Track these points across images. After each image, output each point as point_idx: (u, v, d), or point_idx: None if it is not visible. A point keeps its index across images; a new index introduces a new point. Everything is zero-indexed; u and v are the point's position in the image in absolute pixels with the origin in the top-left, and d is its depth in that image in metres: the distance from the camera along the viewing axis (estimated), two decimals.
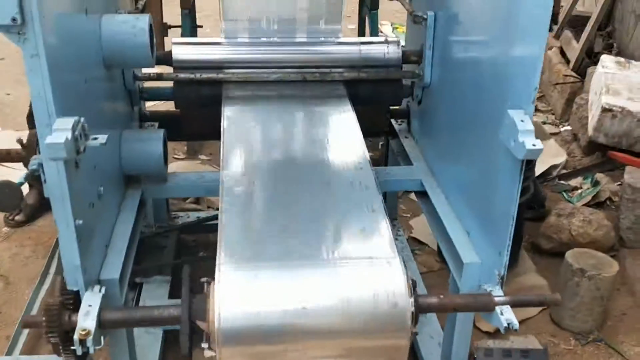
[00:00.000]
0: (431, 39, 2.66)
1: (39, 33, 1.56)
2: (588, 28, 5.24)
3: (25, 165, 2.57)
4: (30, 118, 3.59)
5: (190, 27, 4.36)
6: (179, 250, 3.40)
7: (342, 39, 2.88)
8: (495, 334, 2.91)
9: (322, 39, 2.87)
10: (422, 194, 2.71)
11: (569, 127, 4.78)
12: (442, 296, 2.00)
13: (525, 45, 1.84)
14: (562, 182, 4.09)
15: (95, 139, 1.75)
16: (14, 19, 1.53)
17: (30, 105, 3.58)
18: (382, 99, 2.90)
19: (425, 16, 2.64)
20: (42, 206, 3.79)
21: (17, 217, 3.69)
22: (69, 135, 1.61)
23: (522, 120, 1.79)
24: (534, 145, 1.74)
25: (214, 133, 2.57)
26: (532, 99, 1.79)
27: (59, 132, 1.61)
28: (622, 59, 4.48)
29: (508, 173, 1.91)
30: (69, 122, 1.64)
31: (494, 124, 1.98)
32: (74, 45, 1.93)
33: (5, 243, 3.56)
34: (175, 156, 4.67)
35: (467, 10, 2.36)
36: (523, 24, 1.84)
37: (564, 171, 4.23)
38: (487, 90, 2.12)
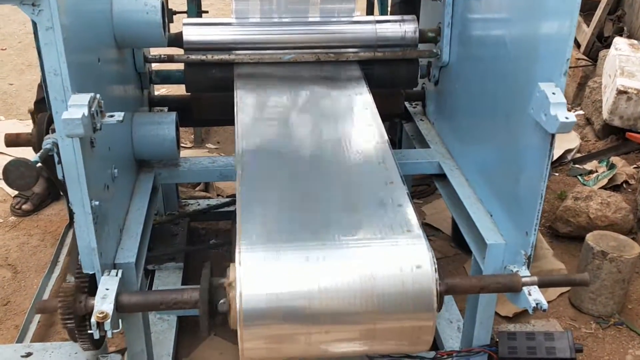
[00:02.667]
0: (450, 16, 2.60)
1: (54, 5, 1.50)
2: (598, 12, 5.17)
3: (35, 150, 2.51)
4: (37, 105, 3.55)
5: (196, 12, 4.29)
6: (190, 237, 3.36)
7: (356, 18, 2.81)
8: (515, 318, 2.86)
9: (336, 18, 2.80)
10: (440, 177, 2.65)
11: (581, 112, 4.71)
12: (467, 277, 1.95)
13: (555, 19, 1.77)
14: (577, 166, 4.03)
15: (112, 116, 1.69)
16: None
17: (38, 91, 3.56)
18: (398, 80, 2.83)
19: None
20: (50, 195, 3.74)
21: (24, 206, 3.64)
22: (86, 111, 1.55)
23: (553, 93, 1.73)
24: (566, 117, 1.69)
25: (226, 118, 2.51)
26: (563, 71, 1.73)
27: (76, 107, 1.55)
28: (635, 42, 4.42)
29: (537, 149, 1.85)
30: (85, 98, 1.59)
31: (521, 100, 1.92)
32: (87, 22, 1.87)
33: (13, 232, 3.50)
34: (182, 145, 4.61)
35: None
36: None
37: (578, 155, 4.17)
38: (512, 66, 2.06)
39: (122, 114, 1.71)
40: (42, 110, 2.63)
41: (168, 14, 4.04)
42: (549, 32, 1.82)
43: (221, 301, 1.72)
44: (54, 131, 1.73)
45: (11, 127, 4.62)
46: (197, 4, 4.30)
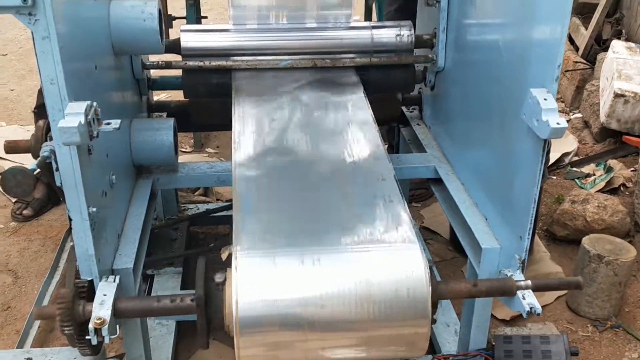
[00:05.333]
0: (445, 21, 2.61)
1: (50, 14, 1.52)
2: (596, 15, 5.19)
3: (34, 156, 2.53)
4: (38, 110, 3.57)
5: (195, 18, 4.32)
6: (190, 242, 3.37)
7: (353, 24, 2.83)
8: (512, 321, 2.88)
9: (333, 24, 2.82)
10: (437, 181, 2.67)
11: (579, 115, 4.73)
12: (461, 281, 1.97)
13: (547, 24, 1.79)
14: (574, 169, 4.04)
15: (109, 124, 1.71)
16: (24, 0, 1.49)
17: (38, 97, 3.59)
18: (394, 85, 2.85)
19: None
20: (50, 200, 3.76)
21: (24, 212, 3.66)
22: (82, 119, 1.57)
23: (545, 99, 1.74)
24: (558, 123, 1.70)
25: (224, 123, 2.53)
26: (555, 77, 1.75)
27: (72, 116, 1.57)
28: (632, 45, 4.43)
29: (530, 154, 1.87)
30: (81, 106, 1.61)
31: (514, 104, 1.94)
32: (84, 30, 1.89)
33: (14, 237, 3.52)
34: (182, 149, 4.63)
35: None
36: (544, 2, 1.79)
37: (575, 158, 4.19)
38: (506, 71, 2.07)
39: (119, 121, 1.73)
40: (42, 116, 2.65)
41: (166, 21, 4.09)
42: (540, 38, 1.84)
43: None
44: (51, 139, 1.75)
45: (12, 132, 4.65)
46: (196, 9, 4.33)
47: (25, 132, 4.57)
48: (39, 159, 1.69)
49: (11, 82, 5.65)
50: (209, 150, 4.68)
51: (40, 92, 3.44)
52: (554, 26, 1.74)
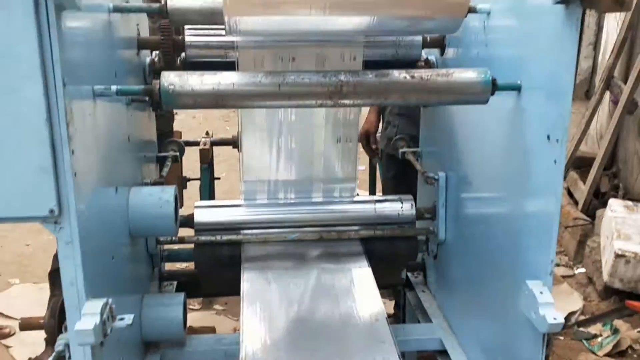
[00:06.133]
0: (443, 197, 2.74)
1: (74, 223, 1.63)
2: (593, 170, 5.36)
3: (47, 332, 2.58)
4: (52, 276, 3.65)
5: (208, 180, 4.50)
6: None
7: (357, 198, 2.97)
8: None
9: (338, 198, 2.97)
10: (443, 353, 2.68)
11: (582, 270, 4.77)
12: None
13: (538, 208, 1.90)
14: (581, 329, 4.03)
15: (122, 319, 1.78)
16: (51, 211, 1.61)
17: (53, 261, 3.67)
18: (397, 255, 2.94)
19: (436, 177, 2.75)
20: None
21: None
22: (98, 319, 1.64)
23: (541, 292, 1.81)
24: (555, 318, 1.76)
25: (233, 289, 2.62)
26: (549, 271, 1.83)
27: (88, 316, 1.64)
28: (629, 203, 4.57)
29: (531, 342, 1.91)
30: (97, 305, 1.68)
31: (512, 289, 2.00)
32: (104, 224, 2.00)
33: None
34: (190, 307, 4.66)
35: (478, 172, 2.45)
36: (534, 188, 1.92)
37: (582, 317, 4.18)
38: (503, 254, 2.16)
39: (132, 316, 1.80)
40: (56, 281, 2.71)
41: (181, 183, 4.26)
42: (533, 224, 1.92)
43: None
44: (66, 329, 1.81)
45: (26, 291, 4.71)
46: (210, 171, 4.52)
47: (38, 290, 4.61)
48: (54, 354, 1.75)
49: (27, 237, 5.77)
50: (217, 307, 4.70)
51: (55, 256, 3.53)
52: (547, 207, 1.84)
